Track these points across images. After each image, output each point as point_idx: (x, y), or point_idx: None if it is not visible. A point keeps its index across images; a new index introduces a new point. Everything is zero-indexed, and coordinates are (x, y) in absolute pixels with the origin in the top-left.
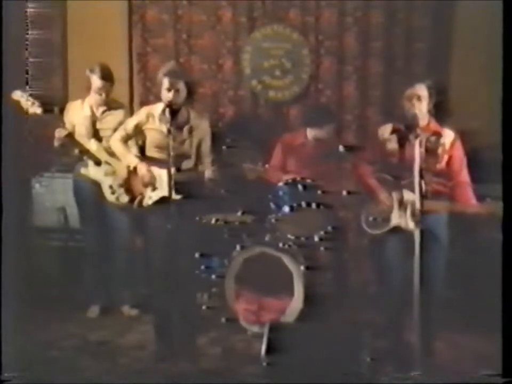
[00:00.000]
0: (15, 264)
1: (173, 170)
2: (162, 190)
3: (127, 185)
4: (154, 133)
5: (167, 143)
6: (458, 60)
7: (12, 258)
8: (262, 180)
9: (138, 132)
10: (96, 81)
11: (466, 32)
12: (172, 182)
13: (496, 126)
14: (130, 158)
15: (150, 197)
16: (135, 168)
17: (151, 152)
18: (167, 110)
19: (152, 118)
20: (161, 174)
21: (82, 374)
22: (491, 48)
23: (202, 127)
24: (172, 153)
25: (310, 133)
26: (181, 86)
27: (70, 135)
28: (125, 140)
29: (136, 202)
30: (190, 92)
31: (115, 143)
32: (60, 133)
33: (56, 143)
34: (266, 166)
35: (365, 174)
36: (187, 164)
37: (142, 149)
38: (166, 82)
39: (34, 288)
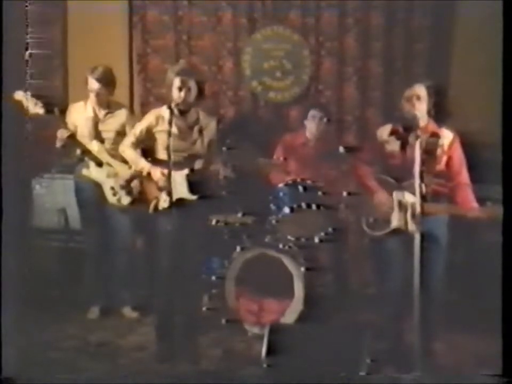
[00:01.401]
0: (15, 265)
1: (186, 171)
2: (178, 192)
3: (133, 188)
4: (165, 135)
5: (178, 144)
6: (458, 60)
7: (12, 259)
8: (265, 179)
9: (149, 135)
10: (92, 83)
11: (466, 32)
12: (171, 183)
13: (496, 126)
14: (142, 163)
15: (166, 200)
16: (148, 173)
17: (161, 154)
18: (171, 111)
19: (162, 120)
20: (175, 176)
21: (83, 375)
22: (491, 48)
23: (212, 127)
24: (172, 154)
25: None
26: (192, 84)
27: (72, 136)
28: (135, 145)
29: (151, 206)
30: (201, 91)
31: (126, 149)
32: (62, 134)
33: (58, 144)
34: (281, 158)
35: (364, 175)
36: (198, 164)
37: (144, 152)
38: (177, 81)
39: (34, 289)
